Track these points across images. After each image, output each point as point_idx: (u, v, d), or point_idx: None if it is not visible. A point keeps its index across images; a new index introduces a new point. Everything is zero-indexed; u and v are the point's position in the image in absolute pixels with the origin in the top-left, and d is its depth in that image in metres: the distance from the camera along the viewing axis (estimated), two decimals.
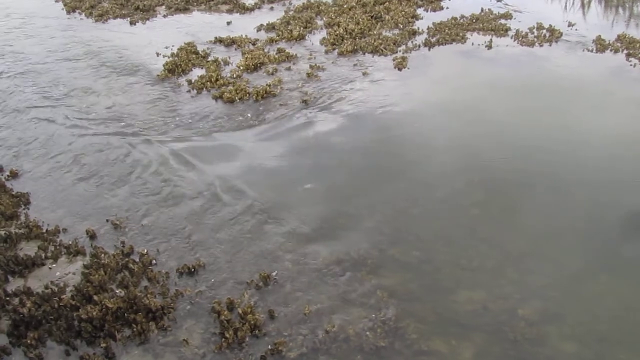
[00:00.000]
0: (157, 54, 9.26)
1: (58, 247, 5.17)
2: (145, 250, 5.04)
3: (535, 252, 4.89)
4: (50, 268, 5.00)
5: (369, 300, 4.45)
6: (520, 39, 9.24)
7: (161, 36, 10.28)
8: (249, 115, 7.26)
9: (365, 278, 4.66)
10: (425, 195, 5.66)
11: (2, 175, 6.35)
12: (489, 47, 9.00)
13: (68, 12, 12.22)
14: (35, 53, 9.90)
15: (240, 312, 4.33)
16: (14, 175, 6.34)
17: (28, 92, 8.35)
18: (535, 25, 9.66)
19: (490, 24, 9.84)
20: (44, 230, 5.40)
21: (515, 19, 10.17)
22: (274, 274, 4.73)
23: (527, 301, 4.40)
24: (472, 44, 9.17)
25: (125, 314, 4.38)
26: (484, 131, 6.72)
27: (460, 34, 9.46)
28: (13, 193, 5.98)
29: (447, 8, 10.96)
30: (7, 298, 4.62)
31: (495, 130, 6.71)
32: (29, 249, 5.17)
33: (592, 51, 8.74)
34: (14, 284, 4.81)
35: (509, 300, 4.42)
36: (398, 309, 4.36)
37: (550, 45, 9.02)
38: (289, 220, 5.35)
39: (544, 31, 9.45)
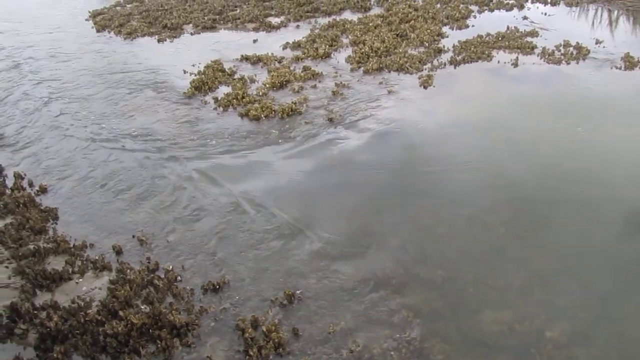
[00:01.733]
0: (184, 72, 9.37)
1: (85, 262, 5.22)
2: (171, 267, 5.07)
3: (563, 272, 4.80)
4: (77, 283, 5.05)
5: (394, 319, 4.41)
6: (546, 56, 9.16)
7: (188, 54, 10.42)
8: (274, 132, 7.28)
9: (390, 297, 4.62)
10: (451, 213, 5.61)
11: (32, 190, 6.46)
12: (515, 65, 8.94)
13: (98, 31, 12.47)
14: (64, 71, 10.10)
15: (264, 329, 4.32)
16: (43, 190, 6.44)
17: (57, 110, 8.50)
18: (562, 43, 9.58)
19: (516, 42, 9.78)
20: (72, 245, 5.46)
21: (541, 36, 10.10)
22: (298, 292, 4.71)
23: (555, 322, 4.31)
24: (498, 61, 9.12)
25: (150, 330, 4.40)
26: (510, 149, 6.66)
27: (486, 52, 9.42)
28: (42, 208, 6.08)
29: (473, 26, 10.94)
30: (35, 311, 4.66)
31: (521, 149, 6.64)
32: (56, 264, 5.24)
33: (620, 69, 8.63)
34: (42, 297, 4.87)
35: (535, 321, 4.34)
36: (423, 329, 4.31)
37: (578, 63, 8.93)
38: (314, 237, 5.34)
39: (571, 49, 9.37)
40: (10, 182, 6.65)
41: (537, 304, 4.49)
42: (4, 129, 8.01)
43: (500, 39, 10.05)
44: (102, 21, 13.00)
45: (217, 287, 4.81)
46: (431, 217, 5.58)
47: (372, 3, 12.86)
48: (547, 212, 5.54)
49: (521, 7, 12.09)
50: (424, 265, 4.93)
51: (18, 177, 6.69)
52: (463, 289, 4.68)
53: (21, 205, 6.06)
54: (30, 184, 6.55)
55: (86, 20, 13.52)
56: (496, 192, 5.86)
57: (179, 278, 4.96)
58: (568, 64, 8.91)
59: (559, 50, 9.36)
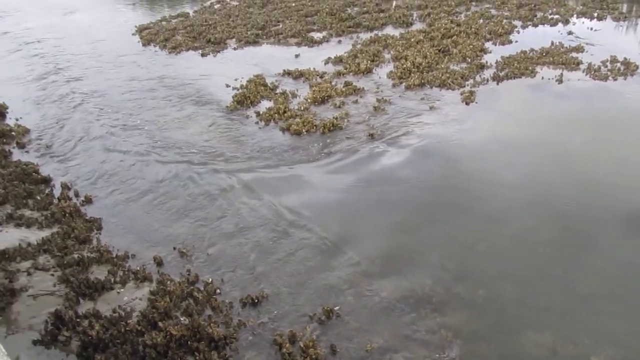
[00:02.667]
0: (227, 86, 9.50)
1: (126, 272, 5.29)
2: (210, 279, 5.11)
3: (610, 294, 4.65)
4: (118, 292, 5.13)
5: (433, 338, 4.34)
6: (592, 72, 8.99)
7: (231, 68, 10.55)
8: (315, 147, 7.30)
9: (429, 316, 4.56)
10: (492, 231, 5.52)
11: (77, 200, 6.61)
12: (560, 81, 8.79)
13: (144, 45, 12.75)
14: (110, 84, 10.34)
15: (302, 345, 4.31)
16: (88, 200, 6.58)
17: (103, 122, 8.70)
18: (609, 59, 9.40)
19: (561, 58, 9.62)
20: (114, 255, 5.55)
21: (587, 52, 9.93)
22: (336, 308, 4.69)
23: (601, 347, 4.17)
24: (542, 77, 8.99)
25: (189, 342, 4.43)
26: (554, 167, 6.54)
27: (530, 68, 9.29)
28: (87, 218, 6.20)
29: (516, 42, 10.81)
30: (78, 319, 4.74)
31: (566, 166, 6.52)
32: (99, 273, 5.32)
33: None
34: (85, 306, 4.95)
35: (579, 345, 4.21)
36: (462, 349, 4.23)
37: (625, 79, 8.74)
38: (354, 253, 5.31)
39: (618, 64, 9.18)
40: (57, 192, 6.81)
41: (582, 326, 4.36)
42: (53, 140, 8.22)
43: (544, 54, 9.91)
44: (148, 35, 13.30)
45: (256, 301, 4.82)
46: (472, 234, 5.50)
47: (414, 18, 12.85)
48: (593, 232, 5.40)
49: (566, 22, 11.92)
50: (464, 284, 4.86)
51: (65, 187, 6.85)
52: (504, 309, 4.59)
53: (67, 214, 6.20)
54: (77, 194, 6.70)
55: (133, 34, 13.85)
56: (539, 210, 5.75)
57: (218, 291, 4.99)
58: (615, 80, 8.73)
59: (606, 66, 9.18)
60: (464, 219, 5.75)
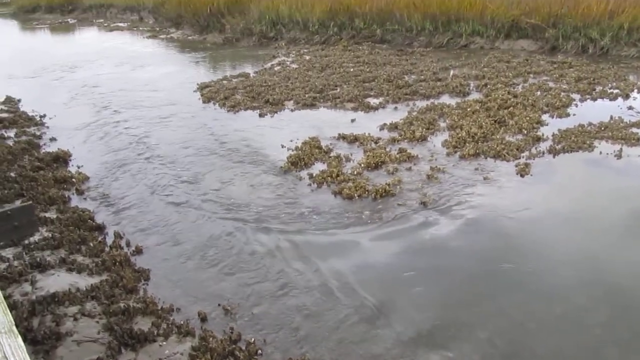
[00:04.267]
0: (282, 146, 9.64)
1: (170, 326, 5.27)
2: (253, 339, 5.04)
3: None
4: (160, 345, 5.11)
5: None
6: None
7: (287, 129, 10.74)
8: (366, 213, 7.28)
9: None
10: (544, 309, 5.31)
11: (128, 249, 6.72)
12: (619, 156, 8.59)
13: (204, 102, 13.17)
14: (170, 138, 10.66)
15: None
16: (138, 251, 6.68)
17: (160, 174, 8.93)
18: None
19: (620, 133, 9.42)
20: (159, 308, 5.55)
21: None
22: None
23: None
24: (600, 152, 8.80)
25: None
26: (610, 244, 6.31)
27: (587, 142, 9.12)
28: (136, 268, 6.28)
29: (574, 115, 10.68)
30: None
31: (623, 246, 6.28)
32: (143, 324, 5.31)
33: None
34: (126, 356, 4.92)
35: None
36: None
37: None
38: (400, 323, 5.18)
39: None
40: (110, 240, 6.96)
41: None
42: (110, 189, 8.47)
43: (602, 129, 9.73)
44: (208, 93, 13.73)
45: None
46: (523, 311, 5.29)
47: (471, 88, 12.90)
48: None
49: (626, 96, 11.74)
50: None
51: (117, 236, 7.00)
52: None
53: (117, 263, 6.29)
54: (128, 244, 6.83)
55: (194, 91, 14.34)
56: (594, 290, 5.52)
57: (259, 351, 4.92)
58: None
59: None
60: (514, 294, 5.57)
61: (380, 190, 7.70)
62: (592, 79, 13.15)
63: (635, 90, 12.17)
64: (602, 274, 5.80)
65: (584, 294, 5.49)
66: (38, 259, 6.24)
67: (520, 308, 5.36)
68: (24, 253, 6.43)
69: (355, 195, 7.69)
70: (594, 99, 11.73)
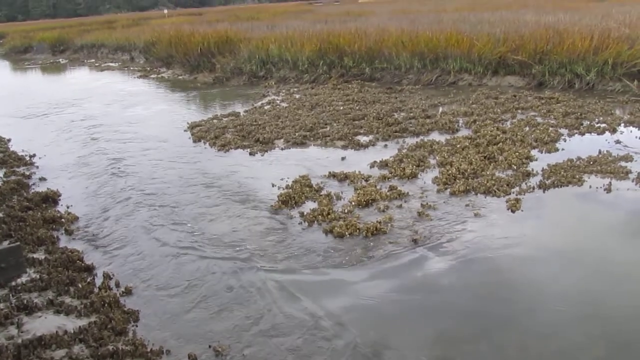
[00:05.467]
0: (273, 185, 9.63)
1: None
2: None
3: None
4: None
5: None
6: None
7: (278, 168, 10.75)
8: (358, 251, 7.24)
9: None
10: (538, 345, 5.25)
11: (117, 290, 6.64)
12: (608, 190, 8.62)
13: (195, 141, 13.19)
14: (160, 177, 10.65)
15: None
16: (128, 292, 6.60)
17: (148, 214, 8.90)
18: None
19: (609, 167, 9.49)
20: (149, 350, 5.45)
21: (636, 161, 9.77)
22: None
23: None
24: (590, 187, 8.84)
25: None
26: (604, 279, 6.30)
27: (577, 177, 9.16)
28: (125, 309, 6.19)
29: (563, 149, 10.75)
30: None
31: (616, 280, 6.26)
32: None
33: None
34: None
35: None
36: None
37: None
38: None
39: None
40: (99, 280, 6.87)
41: None
42: (99, 229, 8.41)
43: (591, 163, 9.80)
44: (199, 132, 13.77)
45: None
46: (517, 349, 5.25)
47: (460, 125, 12.98)
48: None
49: (614, 130, 11.85)
50: None
51: (107, 277, 6.92)
52: None
53: (106, 304, 6.21)
54: (117, 285, 6.75)
55: (185, 130, 14.38)
56: (589, 326, 5.48)
57: None
58: None
59: None
60: (508, 331, 5.53)
61: (371, 228, 7.68)
62: (579, 113, 13.29)
63: (622, 125, 12.30)
64: (597, 308, 5.78)
65: (579, 329, 5.46)
66: (25, 301, 6.16)
67: (514, 345, 5.31)
68: (10, 295, 6.35)
69: (347, 233, 7.66)
70: (582, 134, 11.84)
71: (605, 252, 6.93)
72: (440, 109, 14.87)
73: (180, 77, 25.56)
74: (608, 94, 15.94)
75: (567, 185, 8.98)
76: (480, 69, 18.67)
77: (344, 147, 11.85)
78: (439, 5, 44.31)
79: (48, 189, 10.08)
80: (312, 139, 12.61)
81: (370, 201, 8.67)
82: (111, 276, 6.94)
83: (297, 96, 18.22)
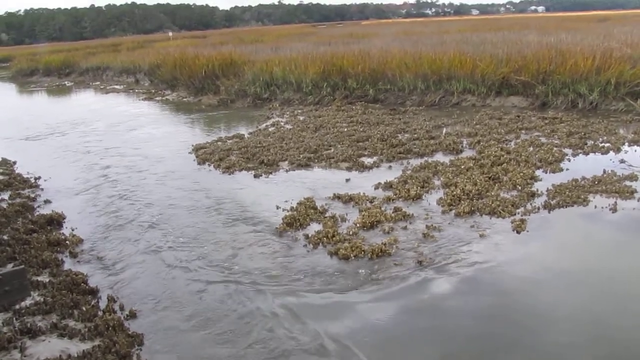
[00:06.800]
0: (278, 207, 9.61)
1: None
2: None
3: None
4: None
5: None
6: None
7: (282, 190, 10.75)
8: (363, 273, 7.21)
9: None
10: None
11: (122, 313, 6.60)
12: (614, 210, 8.59)
13: (199, 163, 13.21)
14: (164, 200, 10.65)
15: None
16: (132, 315, 6.57)
17: (154, 236, 8.87)
18: None
19: (614, 186, 9.47)
20: None
21: None
22: None
23: None
24: (595, 206, 8.81)
25: None
26: (611, 300, 6.25)
27: (582, 197, 9.15)
28: (130, 333, 6.15)
29: (567, 169, 10.75)
30: None
31: (624, 300, 6.22)
32: None
33: None
34: None
35: None
36: None
37: None
38: None
39: None
40: (103, 303, 6.84)
41: None
42: (104, 252, 8.39)
43: (596, 182, 9.78)
44: (203, 154, 13.79)
45: None
46: None
47: (464, 145, 13.01)
48: None
49: (618, 150, 11.86)
50: None
51: (111, 300, 6.89)
52: None
53: (110, 328, 6.17)
54: (122, 308, 6.71)
55: (189, 152, 14.42)
56: (595, 349, 5.42)
57: None
58: None
59: None
60: (514, 353, 5.47)
61: (376, 250, 7.65)
62: (583, 133, 13.31)
63: (626, 144, 12.31)
64: (603, 330, 5.72)
65: (586, 351, 5.41)
66: (28, 325, 6.13)
67: None
68: (14, 318, 6.32)
69: (352, 255, 7.63)
70: (586, 154, 11.84)
71: (612, 272, 6.89)
72: (444, 130, 14.92)
73: (184, 99, 25.71)
74: (611, 113, 15.97)
75: (572, 206, 8.96)
76: (484, 89, 18.75)
77: (349, 169, 11.85)
78: (442, 27, 44.71)
79: (53, 211, 10.08)
80: (316, 160, 12.62)
81: (375, 223, 8.65)
82: (115, 299, 6.92)
83: (301, 118, 18.30)
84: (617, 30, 26.39)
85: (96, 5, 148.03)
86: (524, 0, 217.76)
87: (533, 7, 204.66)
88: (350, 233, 8.37)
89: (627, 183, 9.65)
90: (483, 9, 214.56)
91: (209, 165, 12.99)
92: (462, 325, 6.00)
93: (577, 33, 25.71)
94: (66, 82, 40.59)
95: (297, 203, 9.68)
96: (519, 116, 15.96)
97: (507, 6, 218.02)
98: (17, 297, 6.33)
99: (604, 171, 10.32)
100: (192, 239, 8.64)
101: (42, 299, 6.76)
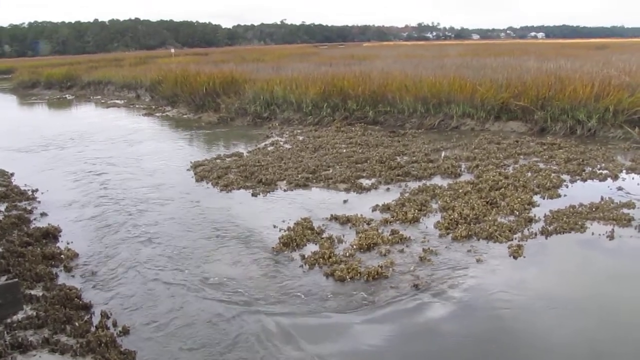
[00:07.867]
0: (274, 227, 9.60)
1: None
2: None
3: None
4: None
5: None
6: None
7: (280, 209, 10.73)
8: (358, 295, 7.17)
9: None
10: None
11: (115, 330, 6.54)
12: (611, 237, 8.60)
13: (197, 181, 13.20)
14: (160, 216, 10.61)
15: None
16: (125, 331, 6.51)
17: (149, 253, 8.83)
18: None
19: (612, 213, 9.48)
20: None
21: (638, 208, 9.79)
22: None
23: None
24: (592, 233, 8.81)
25: None
26: (607, 327, 6.22)
27: (579, 223, 9.15)
28: (122, 349, 6.09)
29: (565, 195, 10.77)
30: None
31: (621, 327, 6.20)
32: None
33: None
34: None
35: None
36: None
37: None
38: None
39: None
40: (96, 319, 6.79)
41: None
42: (98, 267, 8.35)
43: (594, 209, 9.79)
44: (202, 172, 13.79)
45: None
46: None
47: (462, 169, 13.03)
48: None
49: (615, 177, 11.90)
50: None
51: (104, 315, 6.84)
52: None
53: (103, 344, 6.11)
54: (115, 324, 6.66)
55: (187, 170, 14.41)
56: None
57: None
58: None
59: None
60: None
61: (372, 272, 7.62)
62: (581, 159, 13.36)
63: (624, 171, 12.35)
64: (599, 358, 5.70)
65: None
66: (20, 339, 6.06)
67: None
68: (5, 332, 6.25)
69: (348, 277, 7.60)
70: (584, 180, 11.87)
71: (608, 300, 6.86)
72: (443, 154, 14.94)
73: (185, 116, 25.77)
74: (609, 140, 16.04)
75: (570, 232, 8.96)
76: (483, 114, 18.82)
77: (347, 190, 11.85)
78: (443, 51, 45.02)
79: (49, 224, 10.05)
80: (314, 181, 12.62)
81: (371, 245, 8.63)
82: (109, 315, 6.87)
83: (301, 138, 18.33)
84: (615, 58, 26.61)
85: (100, 20, 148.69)
86: (524, 27, 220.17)
87: (533, 34, 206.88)
88: (347, 255, 8.35)
89: (625, 210, 9.66)
90: (484, 34, 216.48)
91: (207, 182, 12.98)
92: (457, 350, 5.97)
93: (576, 60, 25.90)
94: (67, 95, 40.71)
95: (294, 223, 9.67)
96: (517, 141, 16.02)
97: (508, 32, 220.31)
98: (9, 310, 6.29)
99: (602, 198, 10.34)
100: (187, 257, 8.61)
101: (34, 313, 6.70)
